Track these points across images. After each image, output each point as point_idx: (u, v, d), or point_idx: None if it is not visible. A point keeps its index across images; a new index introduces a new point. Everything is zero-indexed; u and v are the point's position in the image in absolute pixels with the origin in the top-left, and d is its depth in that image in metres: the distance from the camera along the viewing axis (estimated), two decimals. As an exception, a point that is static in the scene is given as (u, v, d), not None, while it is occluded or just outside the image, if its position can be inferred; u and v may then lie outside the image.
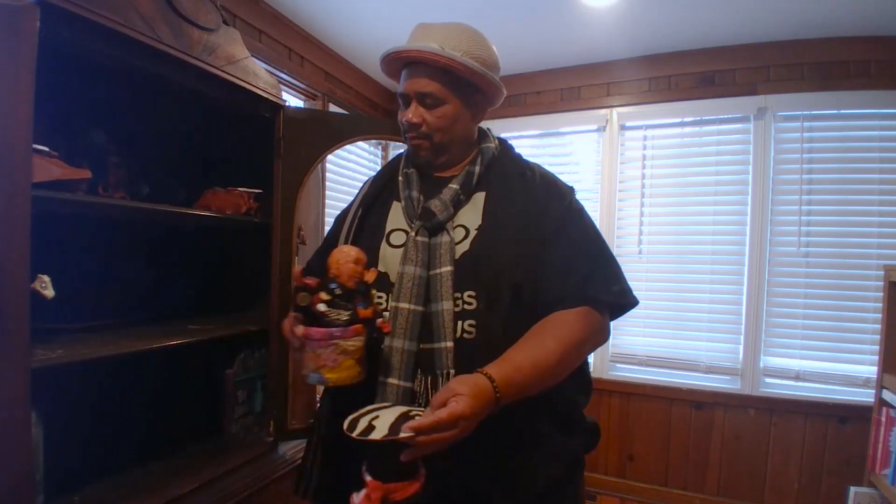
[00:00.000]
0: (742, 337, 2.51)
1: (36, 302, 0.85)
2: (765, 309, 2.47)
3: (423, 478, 0.73)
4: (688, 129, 2.67)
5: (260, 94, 1.35)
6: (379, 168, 1.23)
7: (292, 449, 1.46)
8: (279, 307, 1.41)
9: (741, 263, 2.52)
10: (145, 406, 1.37)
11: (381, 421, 0.71)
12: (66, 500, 1.03)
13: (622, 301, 0.90)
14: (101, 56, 1.03)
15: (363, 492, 0.71)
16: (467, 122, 0.97)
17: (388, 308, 0.88)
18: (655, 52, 2.64)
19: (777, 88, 2.45)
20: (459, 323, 0.86)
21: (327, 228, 1.14)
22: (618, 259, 0.96)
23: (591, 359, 1.27)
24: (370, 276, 0.81)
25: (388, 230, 0.96)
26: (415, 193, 0.96)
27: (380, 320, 0.81)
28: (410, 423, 0.67)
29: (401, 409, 0.77)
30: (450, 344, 0.83)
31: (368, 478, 0.72)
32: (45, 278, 0.90)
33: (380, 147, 3.11)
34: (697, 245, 2.64)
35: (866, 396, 2.19)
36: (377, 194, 1.03)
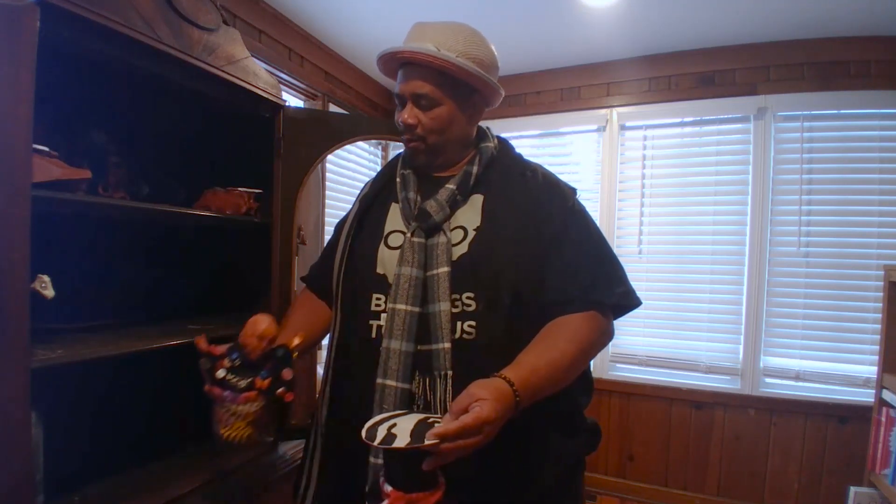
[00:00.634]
0: (742, 337, 2.51)
1: (36, 302, 0.85)
2: (765, 309, 2.47)
3: (444, 486, 0.70)
4: (688, 129, 2.67)
5: (260, 94, 1.35)
6: (379, 168, 1.23)
7: (292, 449, 1.46)
8: (279, 307, 1.41)
9: (741, 263, 2.52)
10: (145, 406, 1.37)
11: (399, 429, 0.69)
12: (66, 500, 1.03)
13: (626, 303, 0.90)
14: (102, 56, 1.03)
15: (385, 503, 0.68)
16: (464, 123, 0.96)
17: (387, 309, 0.88)
18: (655, 52, 2.64)
19: (777, 88, 2.45)
20: (459, 324, 0.85)
21: (327, 228, 1.14)
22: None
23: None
24: (296, 342, 0.90)
25: (386, 231, 0.96)
26: (412, 195, 0.95)
27: (281, 390, 0.87)
28: (435, 430, 0.65)
29: (418, 416, 0.75)
30: (447, 345, 0.83)
31: (389, 488, 0.69)
32: (45, 278, 0.90)
33: (380, 147, 3.11)
34: (697, 245, 2.64)
35: (866, 396, 2.19)
36: (376, 195, 1.03)
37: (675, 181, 2.69)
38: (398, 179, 1.00)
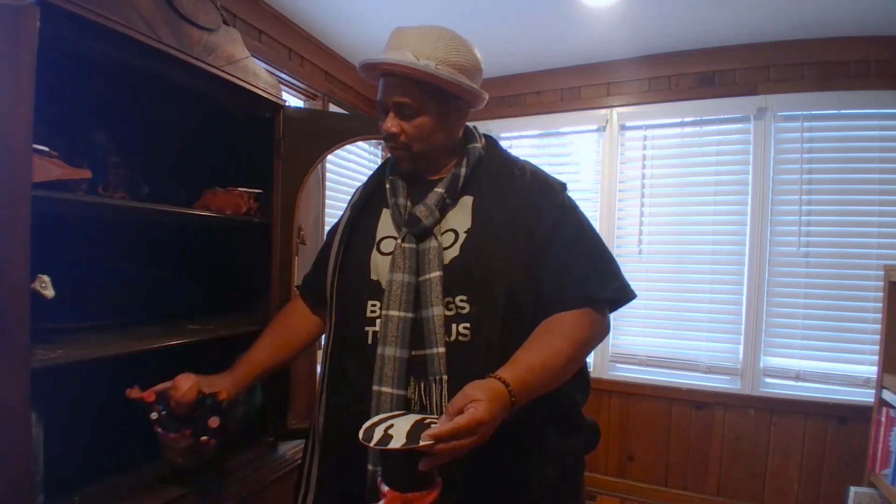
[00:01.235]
0: (742, 337, 2.51)
1: (36, 302, 0.85)
2: (765, 309, 2.47)
3: (440, 486, 0.71)
4: (688, 129, 2.67)
5: (260, 94, 1.35)
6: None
7: (292, 449, 1.46)
8: (279, 307, 1.41)
9: (741, 263, 2.52)
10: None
11: (396, 430, 0.70)
12: (66, 500, 1.03)
13: (621, 296, 0.90)
14: (102, 56, 1.03)
15: (381, 502, 0.70)
16: (448, 129, 0.95)
17: (381, 316, 0.88)
18: (655, 52, 2.64)
19: (777, 88, 2.45)
20: (454, 326, 0.85)
21: (327, 228, 1.14)
22: (618, 259, 0.96)
23: (590, 358, 1.27)
24: (223, 395, 0.97)
25: (378, 238, 0.96)
26: (401, 200, 0.95)
27: (203, 438, 0.96)
28: (430, 431, 0.66)
29: (415, 416, 0.76)
30: (441, 350, 0.83)
31: (385, 488, 0.70)
32: (45, 278, 0.90)
33: (380, 147, 3.11)
34: (697, 245, 2.64)
35: (866, 396, 2.19)
36: (367, 202, 1.03)
37: (675, 181, 2.69)
38: (387, 185, 0.99)
